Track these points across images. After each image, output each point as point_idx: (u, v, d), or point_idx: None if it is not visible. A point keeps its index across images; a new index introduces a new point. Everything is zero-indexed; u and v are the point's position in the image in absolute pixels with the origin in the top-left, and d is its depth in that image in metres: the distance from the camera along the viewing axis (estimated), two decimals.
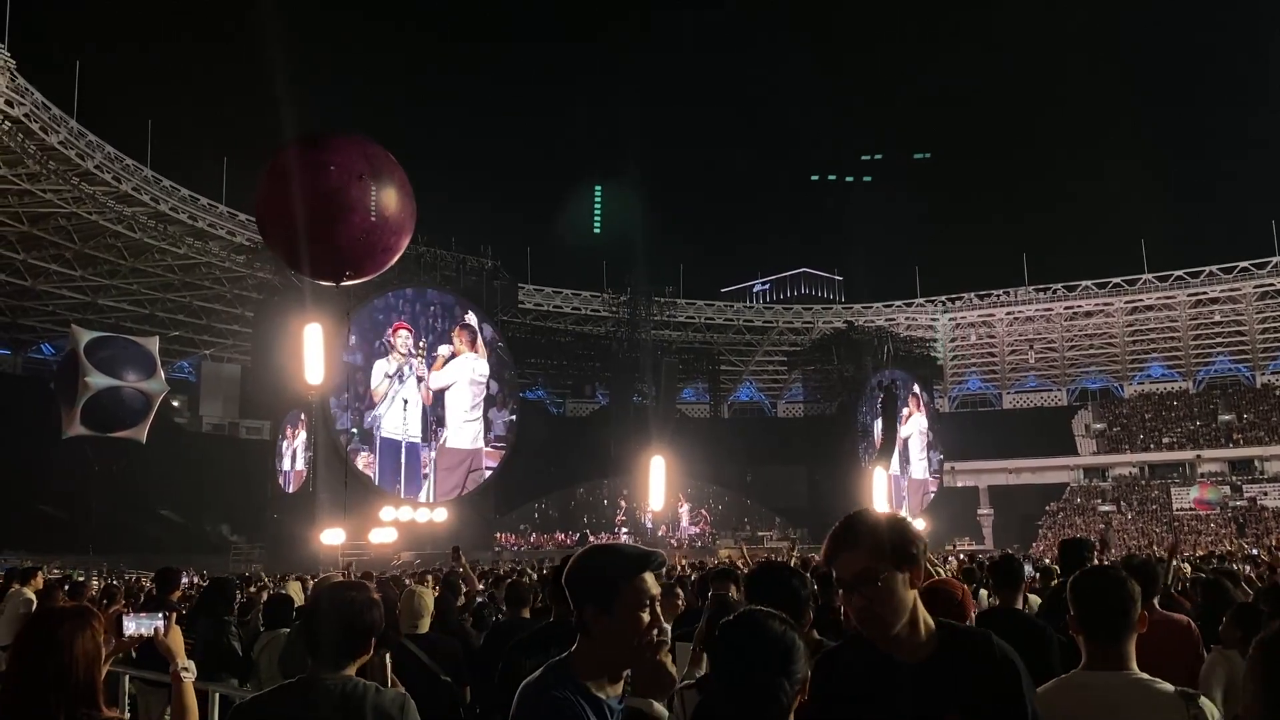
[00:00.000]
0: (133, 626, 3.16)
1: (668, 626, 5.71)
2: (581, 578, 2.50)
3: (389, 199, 5.89)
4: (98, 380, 37.44)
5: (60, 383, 39.41)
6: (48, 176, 41.96)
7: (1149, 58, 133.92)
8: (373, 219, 5.84)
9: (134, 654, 5.12)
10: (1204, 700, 3.08)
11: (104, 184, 43.70)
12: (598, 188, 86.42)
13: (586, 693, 2.38)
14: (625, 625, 2.40)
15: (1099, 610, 3.08)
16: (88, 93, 44.61)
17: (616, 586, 2.43)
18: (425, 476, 42.83)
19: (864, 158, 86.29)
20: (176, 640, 3.20)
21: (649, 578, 2.48)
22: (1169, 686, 3.01)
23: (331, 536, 36.16)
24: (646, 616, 2.43)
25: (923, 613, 2.41)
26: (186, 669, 3.17)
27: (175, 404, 53.96)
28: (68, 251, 47.41)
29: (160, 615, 3.23)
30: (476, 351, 44.96)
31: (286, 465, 42.50)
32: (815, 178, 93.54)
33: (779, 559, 19.41)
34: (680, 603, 6.33)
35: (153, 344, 41.03)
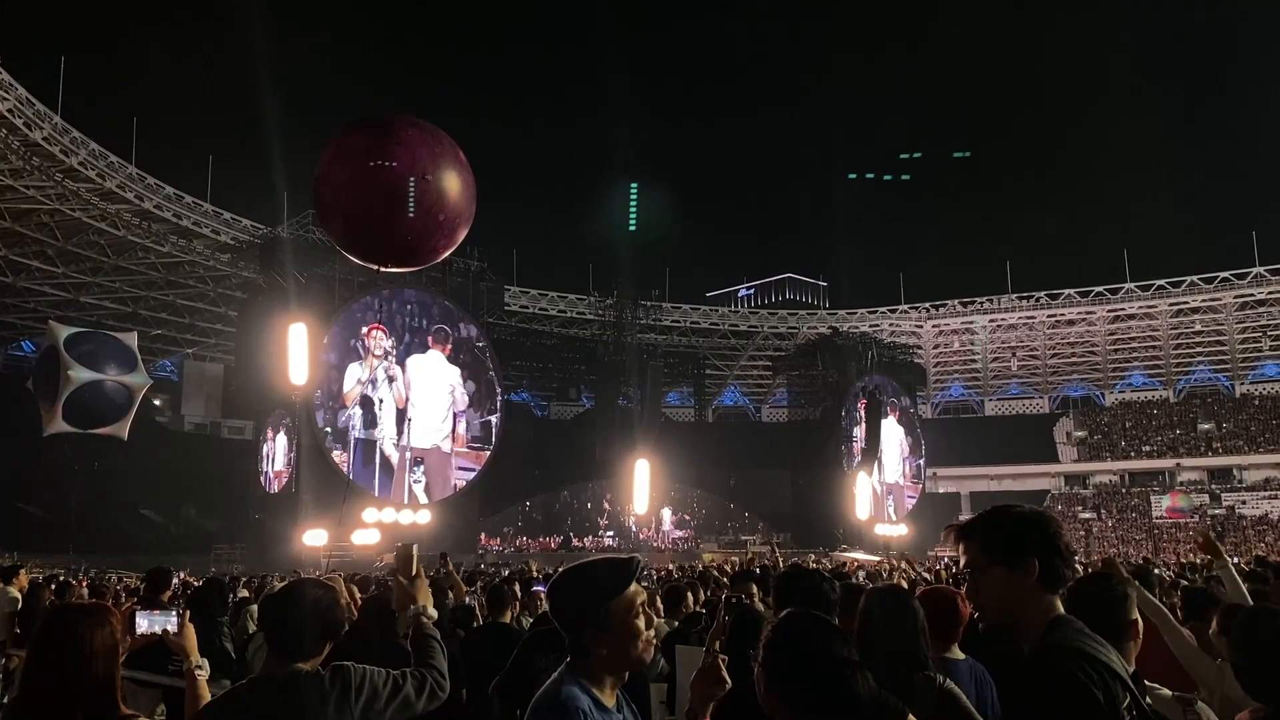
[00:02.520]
0: (146, 624, 3.15)
1: (662, 626, 5.73)
2: (572, 609, 2.54)
3: (449, 201, 5.88)
4: (80, 374, 37.06)
5: (39, 380, 38.95)
6: (31, 173, 41.66)
7: (1133, 70, 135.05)
8: (428, 220, 5.83)
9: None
10: (1200, 704, 3.13)
11: (88, 181, 43.41)
12: (634, 185, 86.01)
13: (595, 698, 2.45)
14: (625, 637, 2.48)
15: (1098, 617, 3.12)
16: (72, 89, 44.33)
17: (607, 608, 2.48)
18: (402, 478, 42.61)
19: (902, 156, 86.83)
20: (190, 639, 3.20)
21: (634, 587, 2.56)
22: (1167, 692, 3.07)
23: (314, 537, 36.01)
24: (642, 623, 2.51)
25: (1044, 612, 2.38)
26: (200, 667, 3.17)
27: (157, 403, 53.57)
28: (50, 248, 47.06)
29: (174, 614, 3.23)
30: (447, 354, 44.70)
31: (269, 465, 42.27)
32: (853, 176, 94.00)
33: (766, 563, 19.43)
34: (684, 606, 6.34)
35: (131, 339, 40.72)
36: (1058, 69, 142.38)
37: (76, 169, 42.51)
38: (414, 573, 3.20)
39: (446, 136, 6.05)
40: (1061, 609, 2.40)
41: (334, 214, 6.17)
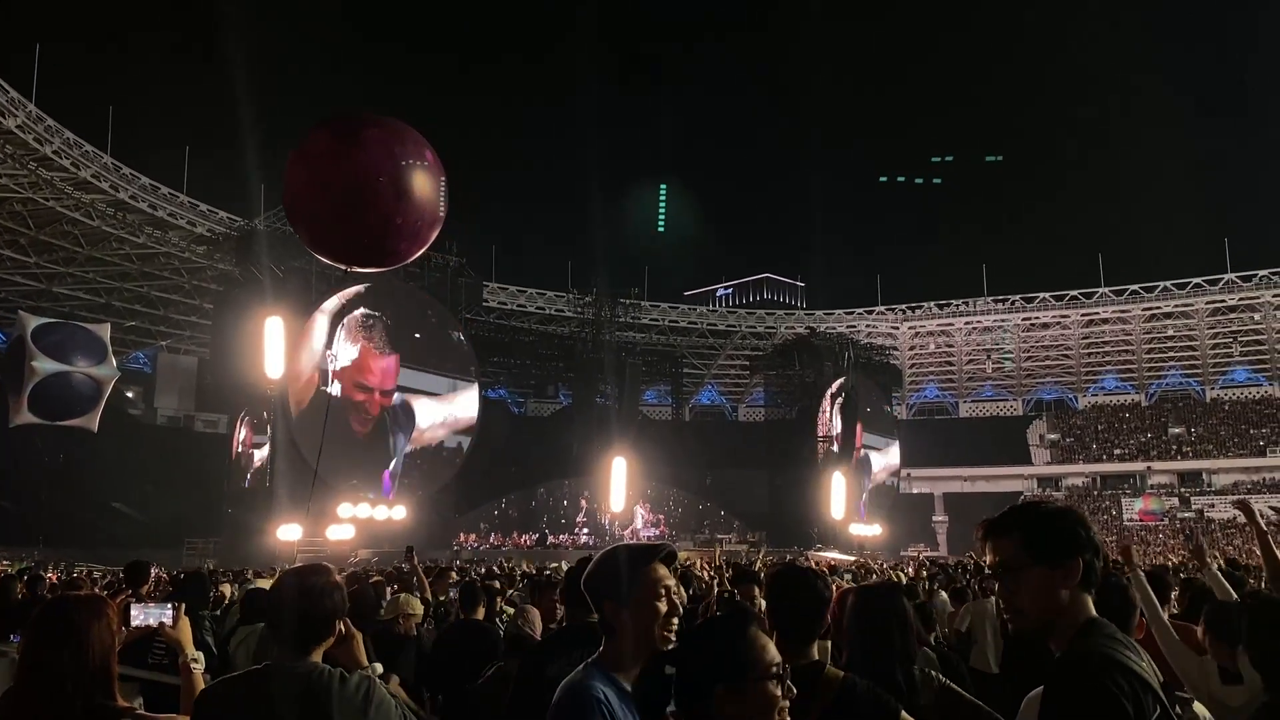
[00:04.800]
0: (140, 617, 3.13)
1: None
2: (598, 576, 2.61)
3: (413, 205, 5.83)
4: (45, 366, 36.64)
5: (7, 370, 38.50)
6: (3, 161, 41.13)
7: (1114, 78, 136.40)
8: (388, 222, 5.78)
9: None
10: (1197, 705, 3.16)
11: (62, 170, 42.88)
12: (663, 187, 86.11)
13: (618, 685, 2.44)
14: (646, 615, 2.50)
15: (1113, 615, 3.15)
16: (47, 77, 43.73)
17: (633, 579, 2.53)
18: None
19: (934, 159, 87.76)
20: (185, 632, 3.17)
21: (660, 567, 2.58)
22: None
23: (288, 532, 35.70)
24: (664, 606, 2.52)
25: (1078, 613, 2.29)
26: (196, 660, 3.14)
27: (130, 395, 53.02)
28: (22, 238, 46.46)
29: (169, 606, 3.21)
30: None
31: (243, 459, 41.89)
32: (884, 179, 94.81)
33: (741, 561, 19.47)
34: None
35: (103, 330, 40.27)
36: (1038, 78, 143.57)
37: (50, 158, 41.98)
38: (346, 635, 3.12)
39: (412, 134, 5.98)
40: (1094, 610, 2.31)
41: (297, 216, 6.15)
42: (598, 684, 2.41)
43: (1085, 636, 2.22)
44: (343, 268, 6.51)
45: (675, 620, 2.55)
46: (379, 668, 3.19)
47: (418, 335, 44.63)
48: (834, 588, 3.69)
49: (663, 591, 2.54)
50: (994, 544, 2.39)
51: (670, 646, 2.52)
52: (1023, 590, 2.31)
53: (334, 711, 2.75)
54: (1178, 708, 2.94)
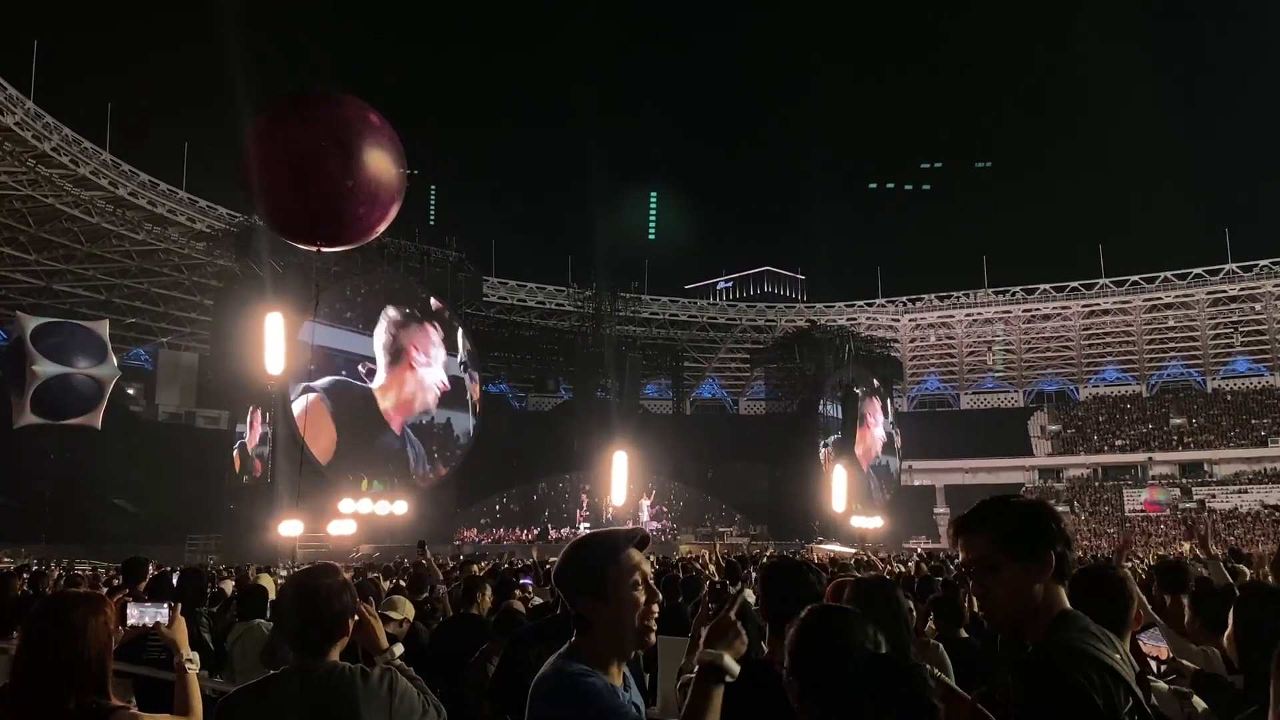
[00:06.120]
0: (137, 615, 3.13)
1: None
2: (571, 571, 2.49)
3: (361, 167, 5.77)
4: (46, 368, 36.64)
5: (8, 371, 38.51)
6: (2, 158, 41.06)
7: (1113, 70, 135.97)
8: (340, 187, 5.73)
9: None
10: (1196, 699, 3.16)
11: (61, 167, 42.80)
12: (653, 194, 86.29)
13: (601, 679, 2.35)
14: (623, 607, 2.39)
15: (1099, 609, 3.15)
16: (45, 73, 43.65)
17: (605, 571, 2.41)
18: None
19: (923, 166, 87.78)
20: (181, 631, 3.17)
21: (634, 554, 2.46)
22: (1164, 685, 3.08)
23: (289, 528, 35.75)
24: (642, 595, 2.41)
25: (1052, 605, 2.27)
26: (191, 660, 3.15)
27: (131, 392, 53.00)
28: (22, 235, 46.40)
29: (165, 605, 3.21)
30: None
31: (244, 455, 41.93)
32: (873, 186, 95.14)
33: (744, 554, 19.48)
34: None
35: (102, 328, 40.19)
36: (1038, 70, 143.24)
37: (49, 155, 41.90)
38: (364, 620, 3.13)
39: (350, 99, 5.90)
40: (1067, 601, 2.30)
41: (255, 196, 6.12)
42: (584, 667, 2.33)
43: (1058, 630, 2.21)
44: (312, 248, 6.44)
45: (655, 609, 2.44)
46: (400, 648, 3.21)
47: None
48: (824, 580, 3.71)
49: (639, 580, 2.42)
50: (966, 541, 2.37)
51: (652, 637, 2.43)
52: (997, 586, 2.30)
53: (361, 708, 2.77)
54: (1155, 699, 2.95)
